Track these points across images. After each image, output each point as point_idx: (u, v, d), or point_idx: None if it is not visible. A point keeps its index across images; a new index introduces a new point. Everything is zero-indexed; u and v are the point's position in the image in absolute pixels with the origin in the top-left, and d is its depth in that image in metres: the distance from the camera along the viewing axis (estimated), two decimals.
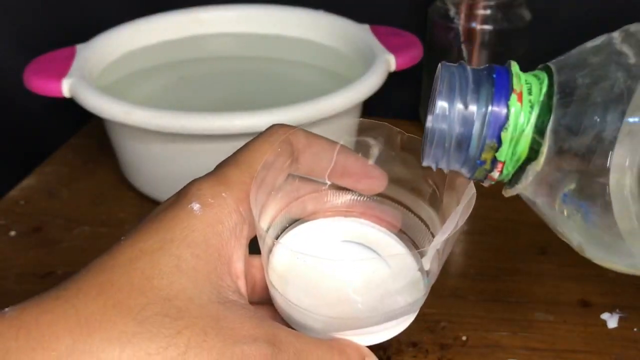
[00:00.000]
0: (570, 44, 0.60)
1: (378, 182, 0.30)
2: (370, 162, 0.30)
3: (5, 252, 0.45)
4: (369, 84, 0.46)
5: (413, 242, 0.30)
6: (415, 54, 0.51)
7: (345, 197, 0.31)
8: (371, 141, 0.30)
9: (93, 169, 0.55)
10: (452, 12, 0.52)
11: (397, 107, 0.61)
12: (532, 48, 0.54)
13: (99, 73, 0.52)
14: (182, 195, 0.26)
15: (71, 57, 0.50)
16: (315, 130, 0.45)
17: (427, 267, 0.27)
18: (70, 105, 0.47)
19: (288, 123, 0.42)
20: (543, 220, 0.26)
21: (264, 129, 0.28)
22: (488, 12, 0.51)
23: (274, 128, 0.29)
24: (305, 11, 0.58)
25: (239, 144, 0.44)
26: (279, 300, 0.27)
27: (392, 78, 0.49)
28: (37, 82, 0.47)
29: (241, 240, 0.26)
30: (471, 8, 0.51)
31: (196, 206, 0.25)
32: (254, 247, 0.27)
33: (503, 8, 0.51)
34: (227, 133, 0.42)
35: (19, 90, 0.51)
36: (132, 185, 0.51)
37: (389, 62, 0.49)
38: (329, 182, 0.30)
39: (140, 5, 0.61)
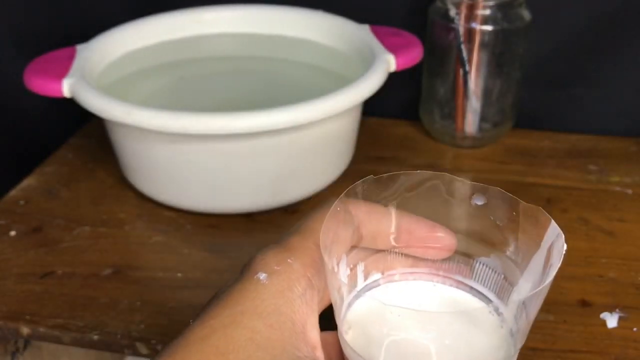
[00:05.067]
0: (570, 44, 0.61)
1: (448, 243, 0.28)
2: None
3: (5, 252, 0.45)
4: (369, 84, 0.46)
5: (497, 300, 0.28)
6: (415, 54, 0.51)
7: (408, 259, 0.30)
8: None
9: (93, 169, 0.55)
10: (452, 12, 0.52)
11: (397, 107, 0.61)
12: (531, 48, 0.54)
13: (99, 73, 0.52)
14: (246, 268, 0.25)
15: (71, 57, 0.50)
16: (316, 129, 0.45)
17: (509, 322, 0.25)
18: (71, 105, 0.47)
19: (289, 125, 0.42)
20: None
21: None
22: (488, 12, 0.51)
23: (330, 200, 0.28)
24: (305, 11, 0.58)
25: (239, 144, 0.44)
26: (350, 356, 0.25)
27: (392, 78, 0.49)
28: (38, 82, 0.47)
29: (312, 306, 0.25)
30: (471, 8, 0.51)
31: (262, 275, 0.24)
32: (322, 323, 0.26)
33: (503, 8, 0.51)
34: (227, 133, 0.42)
35: (19, 90, 0.51)
36: (132, 185, 0.51)
37: (389, 62, 0.49)
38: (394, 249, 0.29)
39: (141, 5, 0.61)
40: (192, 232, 0.47)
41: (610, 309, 0.39)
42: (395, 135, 0.59)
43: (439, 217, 0.29)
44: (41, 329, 0.39)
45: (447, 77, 0.55)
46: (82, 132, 0.60)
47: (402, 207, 0.28)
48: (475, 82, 0.54)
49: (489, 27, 0.51)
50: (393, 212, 0.28)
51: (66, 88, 0.46)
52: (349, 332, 0.26)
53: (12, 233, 0.47)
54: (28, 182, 0.53)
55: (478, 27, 0.51)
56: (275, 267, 0.25)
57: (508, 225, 0.27)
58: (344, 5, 0.58)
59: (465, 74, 0.53)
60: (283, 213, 0.49)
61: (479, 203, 0.28)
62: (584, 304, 0.40)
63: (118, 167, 0.52)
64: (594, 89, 0.58)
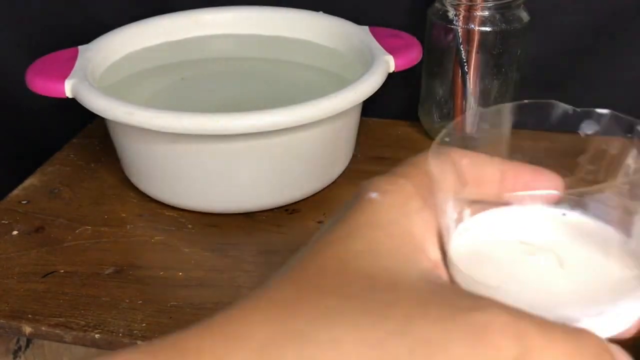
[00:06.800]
0: (568, 45, 0.61)
1: (555, 185, 0.27)
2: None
3: (7, 252, 0.46)
4: (369, 84, 0.46)
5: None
6: (414, 55, 0.51)
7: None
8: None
9: (95, 169, 0.55)
10: (451, 13, 0.52)
11: (396, 108, 0.61)
12: (530, 49, 0.55)
13: (101, 74, 0.52)
14: (357, 192, 0.24)
15: (74, 58, 0.50)
16: (315, 130, 0.46)
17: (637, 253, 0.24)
18: (73, 106, 0.48)
19: (289, 125, 0.43)
20: None
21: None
22: (486, 13, 0.51)
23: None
24: (305, 13, 0.59)
25: (240, 144, 0.44)
26: (466, 285, 0.23)
27: (392, 79, 0.49)
28: (40, 83, 0.47)
29: (430, 226, 0.23)
30: (470, 10, 0.51)
31: (374, 194, 0.23)
32: None
33: (501, 9, 0.51)
34: (228, 133, 0.43)
35: (22, 90, 0.51)
36: (134, 185, 0.51)
37: (388, 63, 0.49)
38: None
39: (142, 6, 0.61)
40: (193, 232, 0.48)
41: None
42: (394, 135, 0.60)
43: (544, 155, 0.27)
44: (43, 328, 0.39)
45: (446, 78, 0.55)
46: (84, 133, 0.61)
47: (503, 146, 0.27)
48: (473, 83, 0.54)
49: (487, 28, 0.52)
50: (496, 157, 0.26)
51: (68, 89, 0.46)
52: (458, 256, 0.24)
53: (15, 232, 0.48)
54: (30, 181, 0.53)
55: (477, 28, 0.52)
56: (387, 187, 0.23)
57: (623, 151, 0.25)
58: (343, 7, 0.58)
59: (464, 74, 0.53)
60: (283, 213, 0.49)
61: (589, 132, 0.26)
62: None
63: (120, 167, 0.52)
64: (592, 89, 0.58)
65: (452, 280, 0.24)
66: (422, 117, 0.59)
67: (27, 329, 0.40)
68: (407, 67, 0.50)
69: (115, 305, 0.41)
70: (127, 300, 0.41)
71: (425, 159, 0.24)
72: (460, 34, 0.52)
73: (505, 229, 0.26)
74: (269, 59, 0.59)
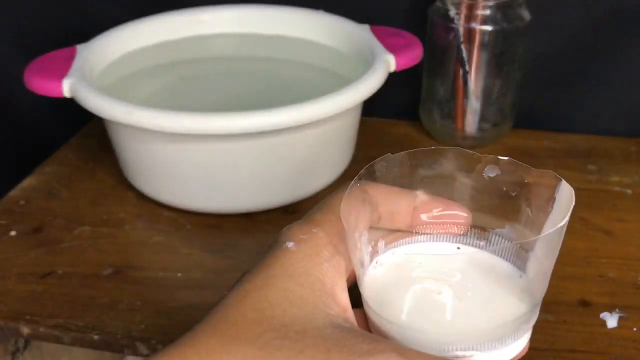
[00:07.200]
0: (570, 44, 0.61)
1: (464, 219, 0.29)
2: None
3: (5, 252, 0.45)
4: (369, 84, 0.46)
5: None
6: (415, 54, 0.51)
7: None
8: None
9: (93, 169, 0.55)
10: (452, 12, 0.52)
11: (397, 107, 0.61)
12: (531, 48, 0.55)
13: (100, 73, 0.52)
14: (275, 240, 0.27)
15: (72, 57, 0.50)
16: (315, 130, 0.45)
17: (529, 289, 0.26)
18: (71, 106, 0.47)
19: (289, 125, 0.42)
20: None
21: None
22: (488, 12, 0.51)
23: (347, 183, 0.29)
24: (305, 11, 0.58)
25: (239, 144, 0.44)
26: (375, 321, 0.26)
27: (392, 78, 0.49)
28: (38, 82, 0.47)
29: (340, 271, 0.26)
30: (471, 8, 0.51)
31: (290, 244, 0.26)
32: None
33: (503, 8, 0.51)
34: (227, 133, 0.42)
35: (19, 90, 0.51)
36: (133, 185, 0.51)
37: (389, 63, 0.49)
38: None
39: (141, 5, 0.61)
40: (192, 232, 0.47)
41: (610, 309, 0.39)
42: (395, 135, 0.59)
43: (453, 192, 0.29)
44: (41, 329, 0.39)
45: (447, 77, 0.55)
46: (83, 132, 0.60)
47: (417, 184, 0.29)
48: (475, 82, 0.54)
49: (488, 27, 0.51)
50: (409, 191, 0.29)
51: (66, 88, 0.46)
52: (369, 293, 0.27)
53: (13, 233, 0.47)
54: (28, 182, 0.53)
55: (478, 27, 0.51)
56: (302, 236, 0.26)
57: (521, 193, 0.28)
58: (344, 6, 0.58)
59: (465, 74, 0.53)
60: (283, 213, 0.49)
61: (492, 175, 0.29)
62: (584, 304, 0.40)
63: (118, 167, 0.52)
64: (594, 89, 0.58)
65: (366, 315, 0.27)
66: (423, 116, 0.59)
67: (26, 330, 0.40)
68: (408, 66, 0.50)
69: (114, 307, 0.40)
70: (126, 302, 0.41)
71: (340, 200, 0.26)
72: (461, 33, 0.52)
73: (414, 264, 0.28)
74: (269, 58, 0.59)
